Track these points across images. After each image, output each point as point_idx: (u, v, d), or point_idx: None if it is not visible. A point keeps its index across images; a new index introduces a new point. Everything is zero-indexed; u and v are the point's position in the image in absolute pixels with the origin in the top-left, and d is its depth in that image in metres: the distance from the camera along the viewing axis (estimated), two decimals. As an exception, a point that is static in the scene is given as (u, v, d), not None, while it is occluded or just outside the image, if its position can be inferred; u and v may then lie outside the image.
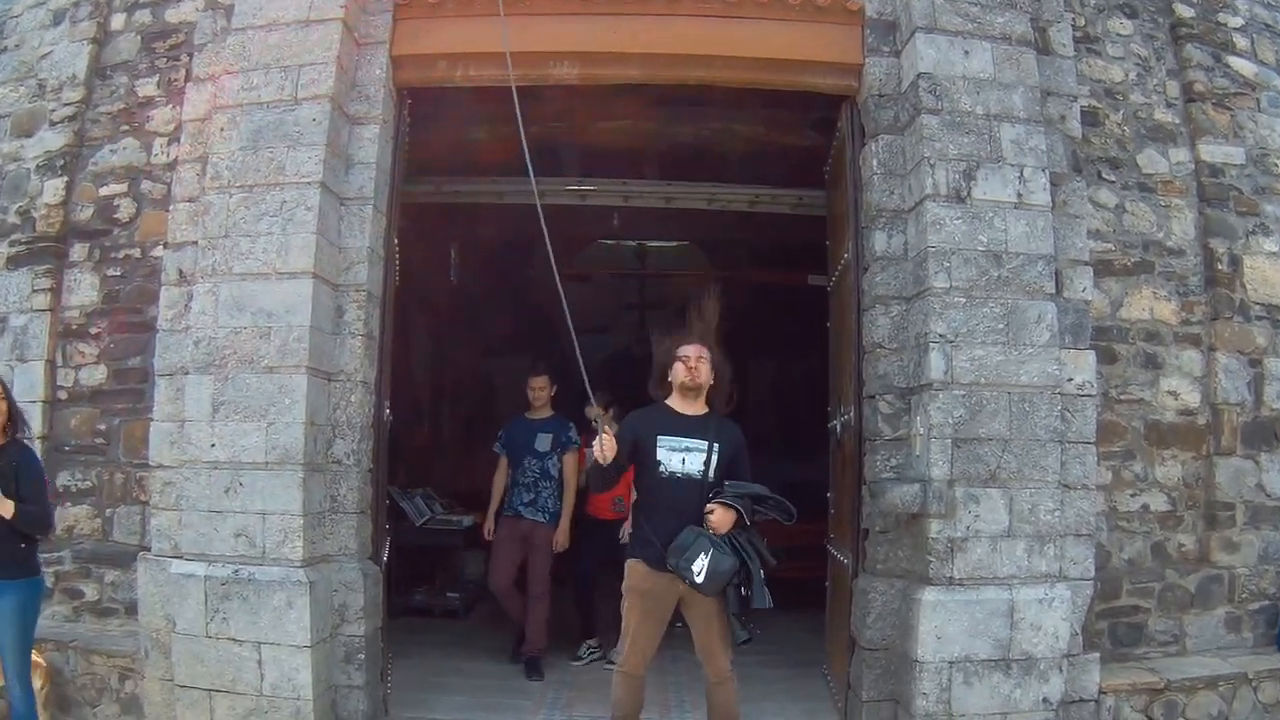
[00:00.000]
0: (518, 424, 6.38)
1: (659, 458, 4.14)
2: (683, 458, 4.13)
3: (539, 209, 4.12)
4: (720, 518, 4.01)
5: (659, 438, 4.16)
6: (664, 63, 5.16)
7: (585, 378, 4.09)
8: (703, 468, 4.13)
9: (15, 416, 4.35)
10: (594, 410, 4.70)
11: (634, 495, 4.56)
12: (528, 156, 4.10)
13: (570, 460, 6.15)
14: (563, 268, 4.11)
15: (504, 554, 6.11)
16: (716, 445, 4.16)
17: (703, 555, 3.92)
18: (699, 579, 3.91)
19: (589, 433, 5.44)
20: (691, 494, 4.10)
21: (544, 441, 6.17)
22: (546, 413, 6.30)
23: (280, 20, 4.96)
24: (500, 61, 5.19)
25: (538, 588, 6.02)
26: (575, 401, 5.61)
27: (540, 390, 6.31)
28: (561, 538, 6.09)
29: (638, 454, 4.20)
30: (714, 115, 6.23)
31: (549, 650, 6.06)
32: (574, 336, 4.00)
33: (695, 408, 4.28)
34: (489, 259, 9.44)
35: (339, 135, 4.91)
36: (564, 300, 3.99)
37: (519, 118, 4.05)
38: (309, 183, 4.72)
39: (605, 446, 3.97)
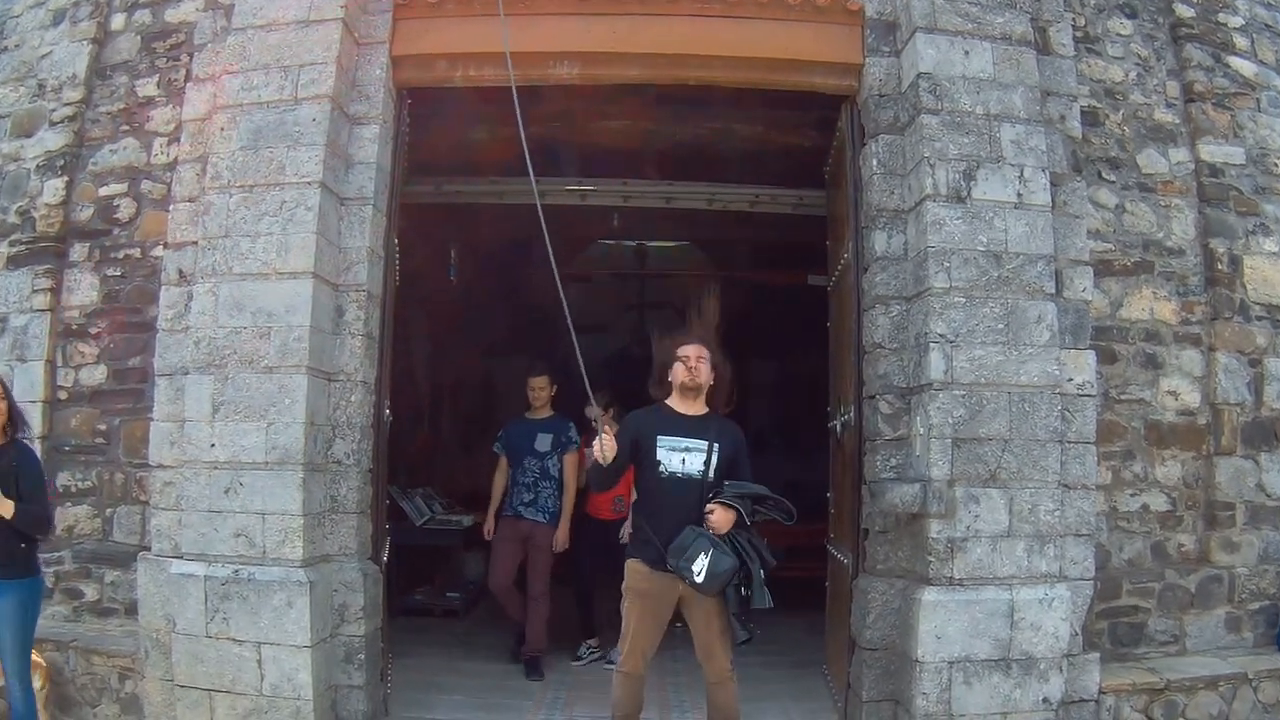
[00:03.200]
0: (518, 424, 6.37)
1: (658, 458, 4.12)
2: (683, 458, 4.11)
3: (539, 210, 4.09)
4: (720, 518, 3.99)
5: (659, 438, 4.14)
6: (663, 62, 5.14)
7: (585, 378, 4.07)
8: (703, 468, 4.11)
9: (15, 417, 4.36)
10: (594, 410, 4.53)
11: (634, 495, 4.55)
12: (528, 157, 4.09)
13: (570, 460, 6.13)
14: (562, 268, 4.10)
15: (504, 554, 6.09)
16: (717, 445, 4.14)
17: (703, 555, 3.91)
18: (699, 579, 3.90)
19: (589, 433, 5.41)
20: (691, 494, 4.07)
21: (544, 441, 6.16)
22: (547, 413, 6.29)
23: (280, 20, 4.94)
24: (500, 61, 5.16)
25: (538, 588, 6.00)
26: (576, 401, 5.61)
27: (540, 390, 6.29)
28: (562, 537, 6.08)
29: (637, 454, 4.19)
30: (714, 115, 6.19)
31: (550, 650, 6.06)
32: (574, 337, 3.99)
33: (695, 408, 4.27)
34: (489, 259, 9.43)
35: (339, 135, 4.89)
36: (564, 302, 3.97)
37: (519, 119, 4.02)
38: (309, 183, 4.71)
39: (606, 447, 3.98)
